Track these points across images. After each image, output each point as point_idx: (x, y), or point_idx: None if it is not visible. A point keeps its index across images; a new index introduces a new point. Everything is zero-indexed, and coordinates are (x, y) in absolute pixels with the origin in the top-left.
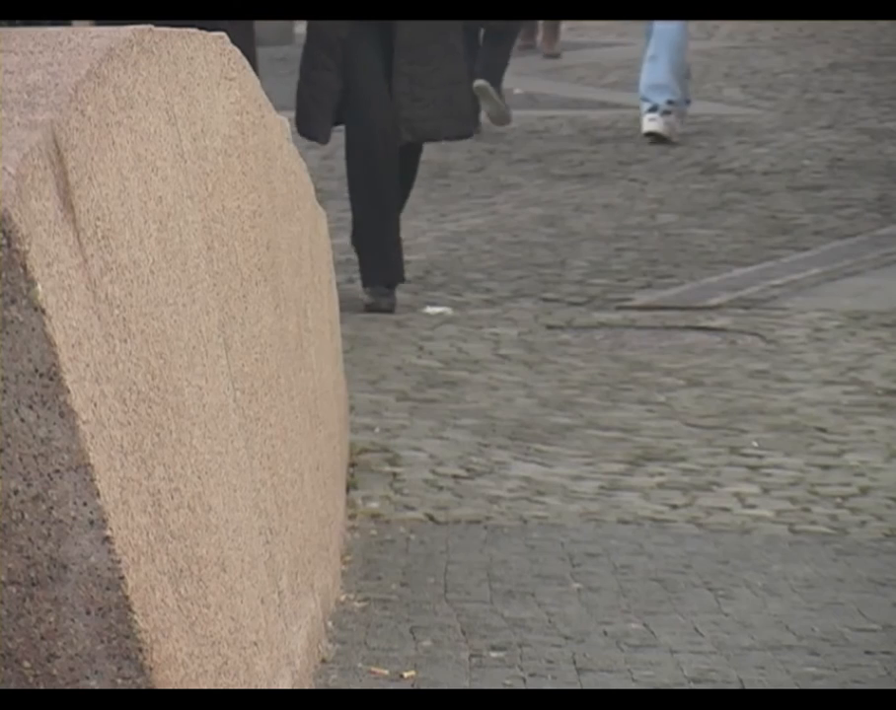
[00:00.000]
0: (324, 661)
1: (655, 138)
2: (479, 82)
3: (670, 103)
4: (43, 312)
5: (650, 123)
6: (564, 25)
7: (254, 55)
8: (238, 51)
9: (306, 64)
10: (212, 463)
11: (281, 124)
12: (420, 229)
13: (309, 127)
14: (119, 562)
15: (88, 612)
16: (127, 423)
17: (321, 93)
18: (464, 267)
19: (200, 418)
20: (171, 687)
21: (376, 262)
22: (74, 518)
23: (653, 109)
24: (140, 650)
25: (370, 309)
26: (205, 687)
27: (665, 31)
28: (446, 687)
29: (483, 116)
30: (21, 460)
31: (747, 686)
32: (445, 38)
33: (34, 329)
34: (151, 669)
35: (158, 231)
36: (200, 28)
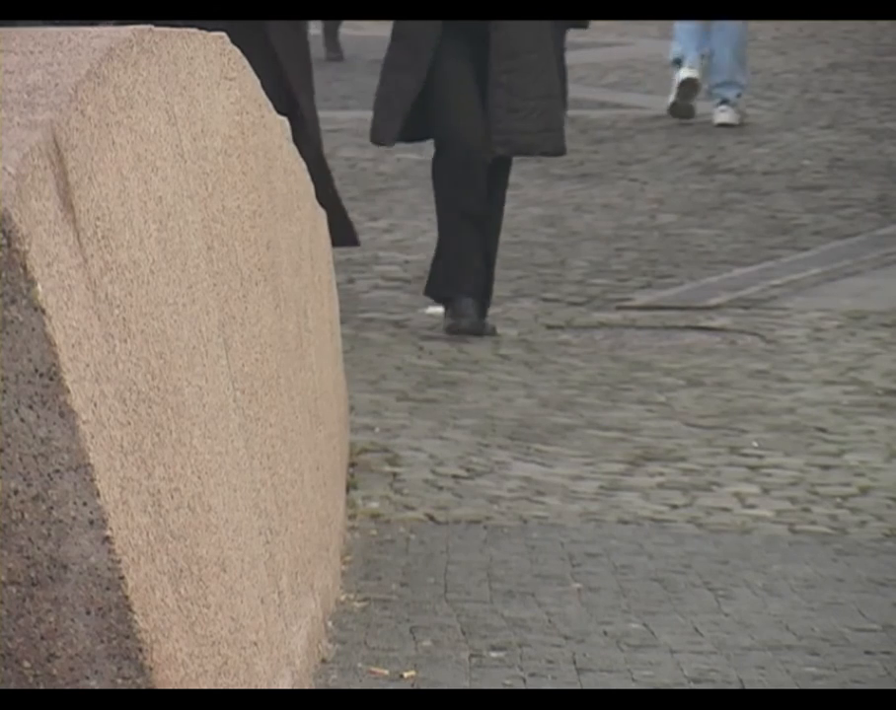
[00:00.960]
0: (324, 661)
1: (727, 126)
2: None
3: (738, 95)
4: (43, 312)
5: (722, 115)
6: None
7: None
8: (237, 51)
9: (385, 64)
10: (212, 463)
11: (281, 124)
12: (420, 229)
13: (375, 129)
14: (119, 562)
15: (88, 612)
16: (127, 423)
17: (394, 94)
18: None
19: (200, 418)
20: (171, 687)
21: (458, 281)
22: (74, 518)
23: (724, 102)
24: (140, 650)
25: (450, 330)
26: (205, 687)
27: (727, 26)
28: (446, 687)
29: None
30: (21, 460)
31: (747, 686)
32: (543, 47)
33: (34, 329)
34: (151, 669)
35: (158, 231)
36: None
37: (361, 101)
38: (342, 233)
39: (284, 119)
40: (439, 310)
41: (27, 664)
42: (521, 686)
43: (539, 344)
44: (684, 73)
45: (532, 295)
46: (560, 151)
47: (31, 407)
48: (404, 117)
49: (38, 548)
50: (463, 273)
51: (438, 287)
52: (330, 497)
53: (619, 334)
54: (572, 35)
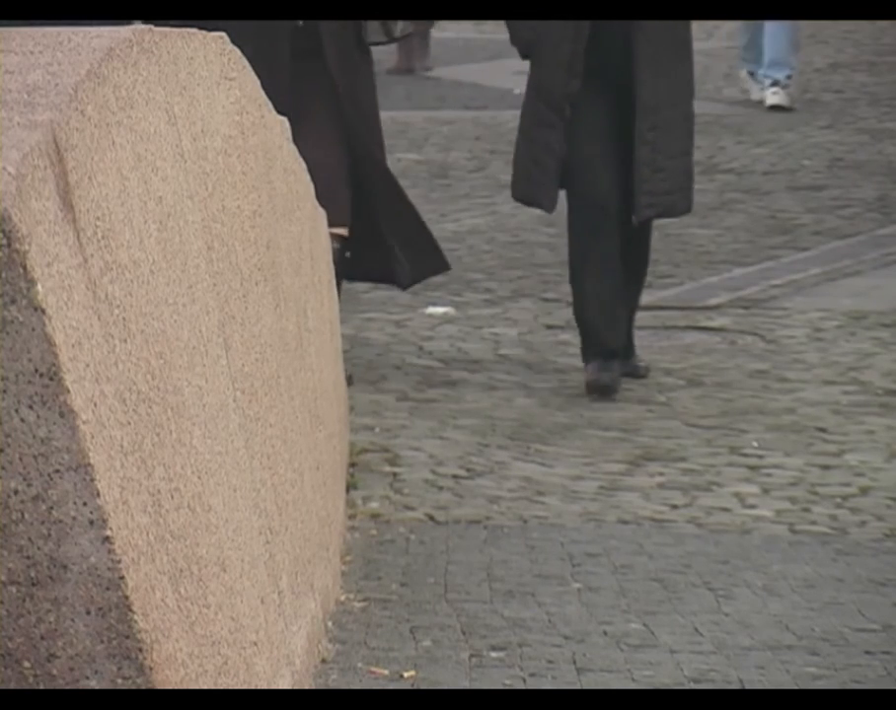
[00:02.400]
0: (324, 661)
1: (778, 109)
2: None
3: (789, 77)
4: (43, 312)
5: (773, 97)
6: None
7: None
8: (237, 51)
9: (528, 121)
10: (212, 463)
11: (281, 124)
12: None
13: (529, 192)
14: (119, 562)
15: (88, 612)
16: (127, 423)
17: (544, 154)
18: (464, 267)
19: (200, 418)
20: (171, 687)
21: (595, 338)
22: (74, 518)
23: (775, 84)
24: (140, 650)
25: (590, 388)
26: (205, 687)
27: None
28: (446, 687)
29: None
30: (21, 460)
31: (747, 686)
32: (684, 102)
33: (34, 329)
34: (151, 669)
35: (158, 231)
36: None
37: None
38: (432, 260)
39: (284, 119)
40: (440, 310)
41: (27, 664)
42: (521, 686)
43: (539, 344)
44: (772, 99)
45: (532, 295)
46: (689, 209)
47: (31, 407)
48: (559, 177)
49: (38, 548)
50: (601, 330)
51: (585, 348)
52: (330, 497)
53: None
54: None
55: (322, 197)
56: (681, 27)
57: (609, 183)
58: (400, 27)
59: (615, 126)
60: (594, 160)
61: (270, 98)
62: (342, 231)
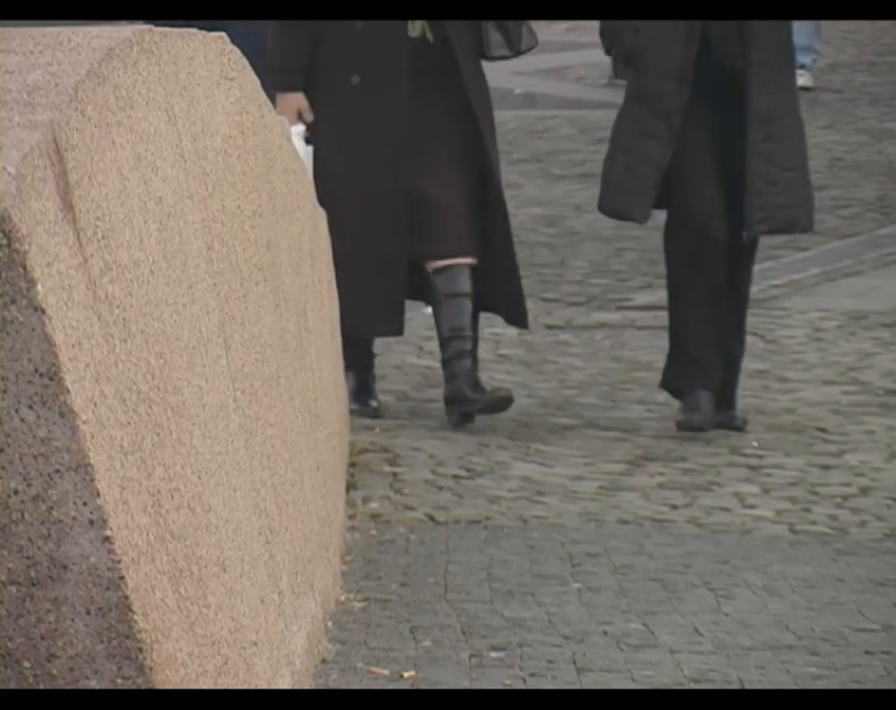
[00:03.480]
0: (324, 661)
1: (804, 90)
2: None
3: (814, 61)
4: (43, 312)
5: (801, 79)
6: (564, 25)
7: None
8: (237, 51)
9: (627, 131)
10: (212, 463)
11: (281, 124)
12: None
13: (622, 204)
14: (119, 562)
15: (88, 612)
16: (127, 423)
17: (643, 164)
18: None
19: (200, 418)
20: (171, 687)
21: (695, 373)
22: (74, 518)
23: (802, 66)
24: (140, 650)
25: (681, 426)
26: (205, 687)
27: None
28: (446, 687)
29: None
30: (21, 460)
31: (747, 686)
32: (796, 111)
33: (34, 329)
34: (151, 669)
35: (158, 231)
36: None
37: None
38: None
39: (284, 119)
40: None
41: (27, 664)
42: (521, 686)
43: (539, 344)
44: (799, 80)
45: (532, 295)
46: (811, 226)
47: (31, 407)
48: (656, 190)
49: (38, 548)
50: (697, 363)
51: (671, 378)
52: (330, 497)
53: (619, 334)
54: (573, 36)
55: (447, 225)
56: (785, 33)
57: (714, 203)
58: (524, 40)
59: (719, 140)
60: (700, 177)
61: (386, 119)
62: (469, 260)
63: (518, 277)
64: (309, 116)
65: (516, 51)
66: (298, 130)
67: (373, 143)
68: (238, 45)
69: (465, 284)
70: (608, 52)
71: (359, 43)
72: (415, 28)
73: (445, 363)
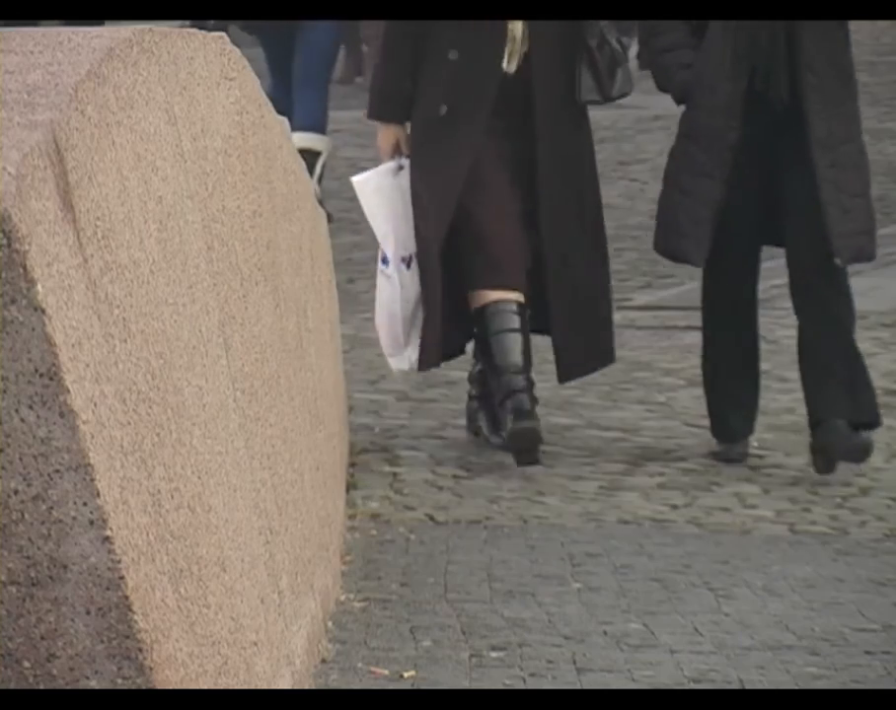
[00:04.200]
0: (324, 661)
1: None
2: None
3: None
4: (43, 312)
5: None
6: None
7: None
8: (237, 51)
9: (681, 169)
10: (212, 463)
11: (281, 124)
12: None
13: (679, 246)
14: (119, 562)
15: (88, 612)
16: (127, 423)
17: (699, 205)
18: None
19: (200, 418)
20: (171, 687)
21: (725, 430)
22: (74, 518)
23: None
24: (140, 650)
25: (717, 458)
26: (205, 687)
27: None
28: (446, 687)
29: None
30: (21, 460)
31: (747, 686)
32: (857, 136)
33: (34, 329)
34: (151, 669)
35: (158, 231)
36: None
37: (362, 100)
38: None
39: (284, 119)
40: None
41: (27, 664)
42: (521, 686)
43: (539, 344)
44: None
45: None
46: (873, 255)
47: (31, 407)
48: (713, 230)
49: (38, 548)
50: (735, 430)
51: (718, 426)
52: (330, 497)
53: (619, 334)
54: None
55: (498, 261)
56: (842, 55)
57: (750, 261)
58: (617, 86)
59: (773, 173)
60: (738, 231)
61: (456, 154)
62: (517, 296)
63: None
64: (406, 149)
65: (606, 97)
66: (387, 167)
67: (441, 177)
68: (310, 45)
69: (517, 319)
70: (662, 89)
71: (450, 73)
72: (511, 62)
73: (501, 403)
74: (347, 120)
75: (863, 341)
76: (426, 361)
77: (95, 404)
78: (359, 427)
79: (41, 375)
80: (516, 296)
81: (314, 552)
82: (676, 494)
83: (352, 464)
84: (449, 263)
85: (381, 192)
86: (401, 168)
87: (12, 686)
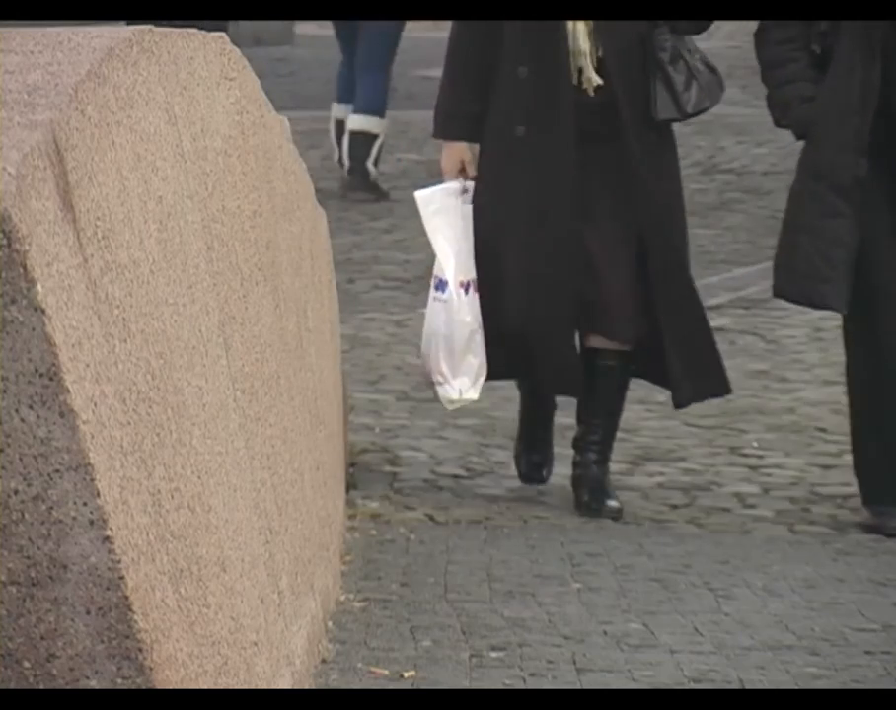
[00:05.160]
0: (324, 661)
1: None
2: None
3: None
4: (43, 312)
5: None
6: None
7: None
8: (237, 51)
9: (807, 210)
10: (212, 463)
11: (281, 124)
12: (420, 229)
13: (815, 291)
14: (119, 562)
15: (88, 612)
16: (127, 423)
17: (834, 247)
18: None
19: (200, 418)
20: (171, 687)
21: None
22: (74, 518)
23: None
24: (140, 650)
25: (870, 530)
26: (205, 687)
27: None
28: (446, 687)
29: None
30: (21, 460)
31: (747, 686)
32: None
33: (34, 329)
34: (151, 669)
35: (158, 231)
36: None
37: None
38: (716, 381)
39: (284, 119)
40: None
41: (27, 664)
42: (521, 686)
43: None
44: None
45: None
46: None
47: (31, 407)
48: (852, 273)
49: (38, 548)
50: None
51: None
52: (330, 497)
53: None
54: None
55: (606, 307)
56: None
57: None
58: (693, 101)
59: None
60: (882, 252)
61: (553, 174)
62: (625, 347)
63: (709, 348)
64: (472, 170)
65: (683, 114)
66: (452, 187)
67: (541, 198)
68: (373, 30)
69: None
70: (778, 124)
71: (524, 92)
72: (588, 80)
73: (576, 446)
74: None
75: None
76: (495, 371)
77: (95, 404)
78: (359, 427)
79: (41, 375)
80: (621, 347)
81: (314, 552)
82: (676, 494)
83: (352, 464)
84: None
85: (445, 213)
86: (465, 191)
87: (12, 686)
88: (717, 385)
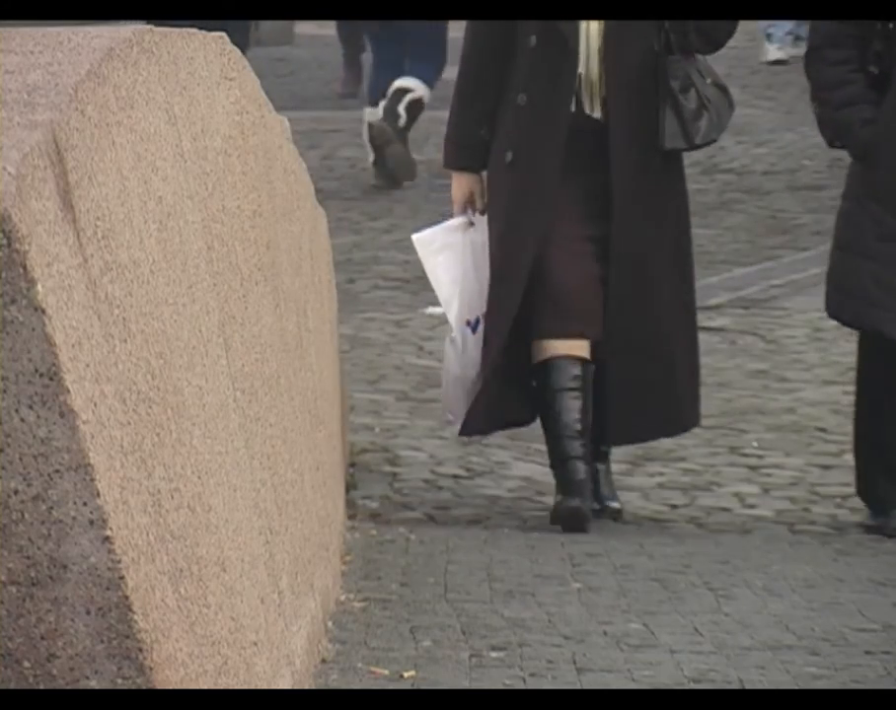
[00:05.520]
0: (324, 661)
1: (778, 64)
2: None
3: (788, 34)
4: (43, 312)
5: (778, 52)
6: None
7: None
8: (237, 51)
9: (864, 234)
10: (212, 463)
11: (281, 124)
12: (420, 229)
13: (870, 314)
14: (119, 562)
15: (88, 612)
16: (127, 423)
17: (891, 271)
18: None
19: (200, 418)
20: (171, 687)
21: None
22: (74, 518)
23: (798, 38)
24: (140, 650)
25: (870, 530)
26: (205, 687)
27: None
28: (446, 687)
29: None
30: (21, 460)
31: (747, 686)
32: None
33: (34, 329)
34: (151, 669)
35: (158, 231)
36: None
37: (361, 100)
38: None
39: (284, 119)
40: (440, 310)
41: (27, 664)
42: (521, 686)
43: None
44: (773, 54)
45: None
46: None
47: (31, 407)
48: None
49: (38, 548)
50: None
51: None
52: (330, 497)
53: None
54: None
55: (564, 309)
56: None
57: None
58: (703, 132)
59: None
60: None
61: (529, 204)
62: (582, 348)
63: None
64: (480, 203)
65: (691, 144)
66: (454, 224)
67: (512, 230)
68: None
69: (578, 377)
70: (831, 145)
71: (518, 119)
72: (595, 108)
73: (553, 469)
74: (347, 120)
75: None
76: (471, 426)
77: (95, 404)
78: (359, 427)
79: (41, 375)
80: (580, 349)
81: (314, 552)
82: (676, 494)
83: (352, 464)
84: (521, 330)
85: (448, 251)
86: (471, 224)
87: (12, 686)
88: (692, 417)
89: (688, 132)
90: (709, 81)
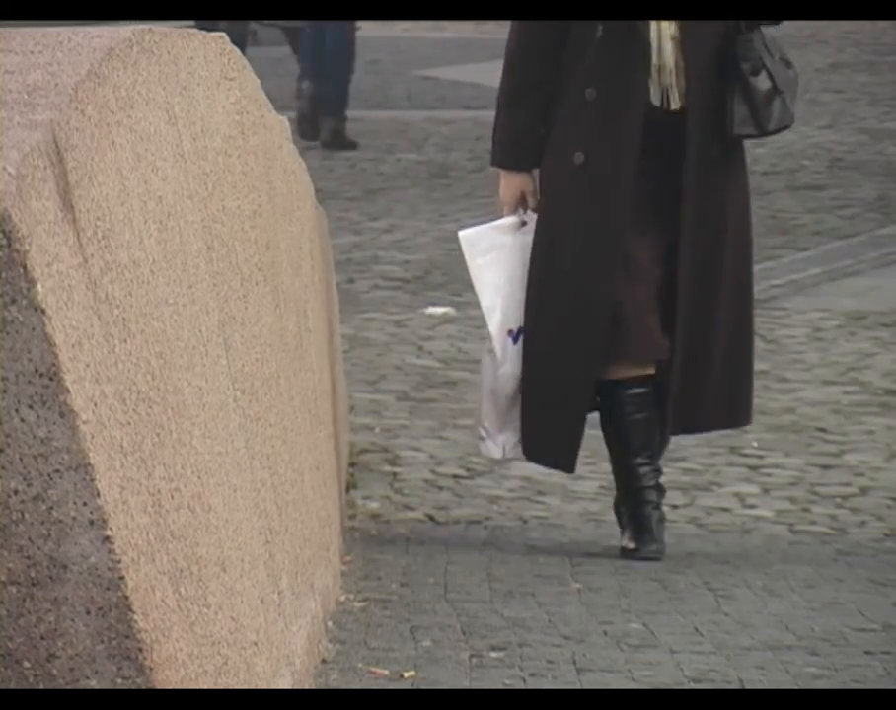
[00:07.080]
0: (324, 661)
1: None
2: None
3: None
4: (43, 312)
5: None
6: None
7: None
8: (237, 51)
9: None
10: (212, 463)
11: (281, 124)
12: (420, 229)
13: None
14: (119, 562)
15: (88, 612)
16: (127, 423)
17: None
18: (464, 267)
19: (200, 418)
20: (171, 687)
21: None
22: (74, 518)
23: None
24: (140, 650)
25: None
26: (205, 687)
27: None
28: (446, 687)
29: None
30: (21, 460)
31: (747, 686)
32: None
33: (34, 329)
34: (151, 669)
35: (158, 231)
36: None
37: (361, 100)
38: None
39: (284, 119)
40: (440, 310)
41: (27, 664)
42: (521, 686)
43: None
44: None
45: None
46: None
47: (31, 407)
48: None
49: (38, 548)
50: None
51: None
52: (330, 497)
53: None
54: None
55: (630, 329)
56: None
57: None
58: (774, 118)
59: None
60: None
61: (604, 209)
62: (649, 370)
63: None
64: (532, 202)
65: (762, 131)
66: (506, 223)
67: (587, 238)
68: None
69: (645, 402)
70: None
71: (588, 115)
72: (673, 99)
73: (622, 505)
74: (347, 120)
75: (864, 341)
76: (533, 449)
77: (95, 404)
78: (359, 427)
79: (41, 375)
80: (644, 373)
81: (314, 552)
82: (676, 494)
83: (352, 464)
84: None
85: (495, 253)
86: (524, 223)
87: (12, 686)
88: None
89: (758, 118)
90: (777, 57)
